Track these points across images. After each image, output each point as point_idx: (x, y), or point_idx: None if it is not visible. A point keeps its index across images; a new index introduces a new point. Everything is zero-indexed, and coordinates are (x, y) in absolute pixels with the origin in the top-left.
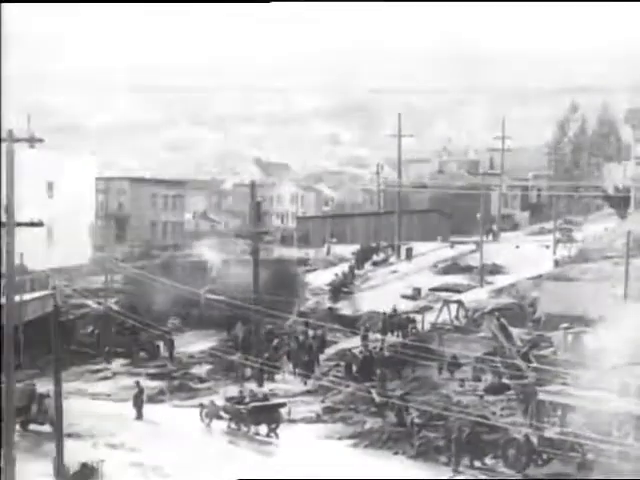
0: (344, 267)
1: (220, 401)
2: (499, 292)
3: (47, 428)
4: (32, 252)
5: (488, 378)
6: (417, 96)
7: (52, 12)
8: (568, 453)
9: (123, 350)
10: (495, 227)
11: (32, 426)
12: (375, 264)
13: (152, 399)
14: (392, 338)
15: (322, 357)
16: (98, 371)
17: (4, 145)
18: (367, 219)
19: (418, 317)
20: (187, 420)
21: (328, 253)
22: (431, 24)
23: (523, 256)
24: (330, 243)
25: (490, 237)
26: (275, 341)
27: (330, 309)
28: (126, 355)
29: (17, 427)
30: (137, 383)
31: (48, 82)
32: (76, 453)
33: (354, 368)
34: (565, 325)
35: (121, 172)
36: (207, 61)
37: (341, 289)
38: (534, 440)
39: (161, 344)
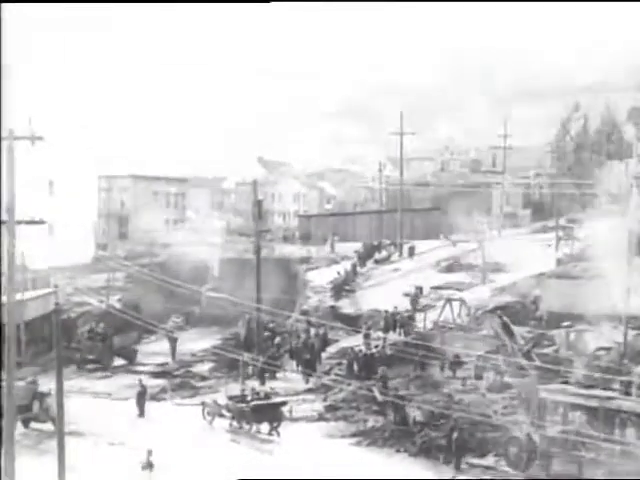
0: (346, 265)
1: (222, 399)
2: (501, 290)
3: (49, 426)
4: (33, 250)
5: (490, 376)
6: (418, 95)
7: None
8: (570, 452)
9: (94, 357)
10: (484, 227)
11: (33, 424)
12: (377, 262)
13: (154, 397)
14: (394, 336)
15: (324, 355)
16: (99, 369)
17: (5, 143)
18: (369, 217)
19: (420, 315)
20: (189, 418)
21: (332, 250)
22: (432, 24)
23: (525, 254)
24: (333, 241)
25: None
26: (277, 339)
27: (332, 307)
28: (97, 362)
29: (18, 425)
30: (140, 381)
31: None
32: (77, 451)
33: (356, 366)
34: (567, 323)
35: (123, 170)
36: (206, 59)
37: (343, 287)
38: (536, 439)
39: (138, 348)
